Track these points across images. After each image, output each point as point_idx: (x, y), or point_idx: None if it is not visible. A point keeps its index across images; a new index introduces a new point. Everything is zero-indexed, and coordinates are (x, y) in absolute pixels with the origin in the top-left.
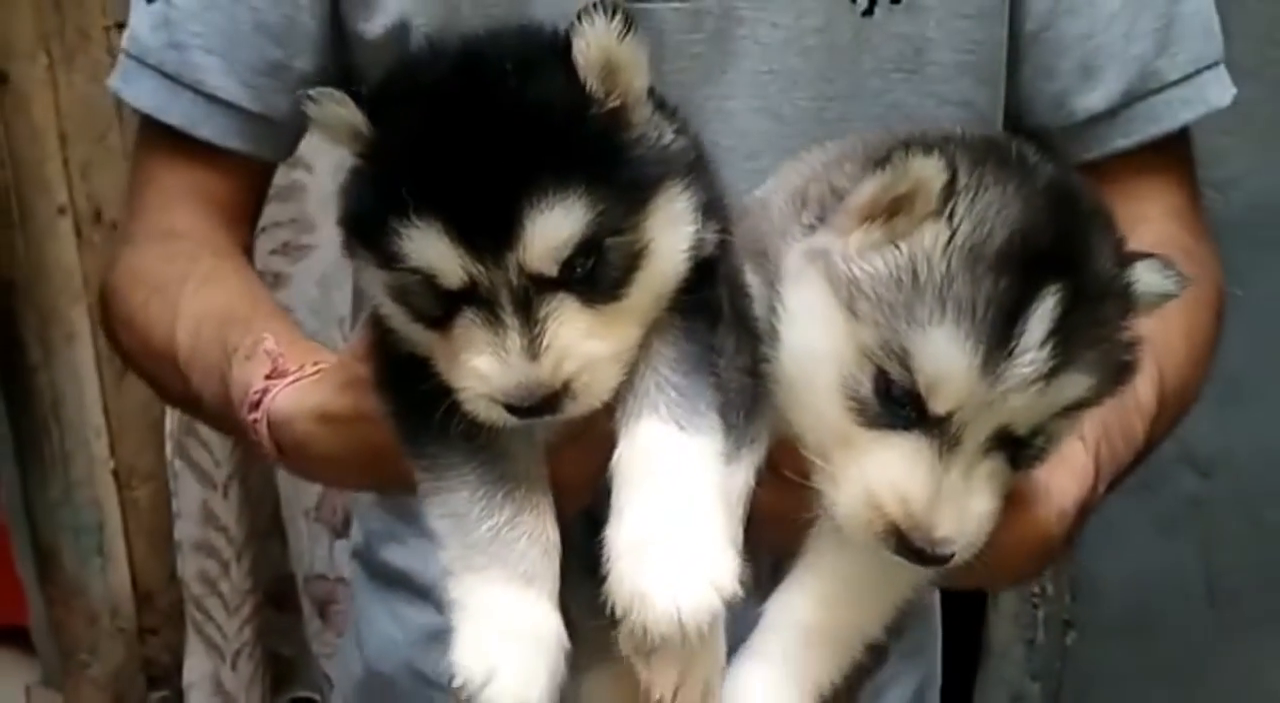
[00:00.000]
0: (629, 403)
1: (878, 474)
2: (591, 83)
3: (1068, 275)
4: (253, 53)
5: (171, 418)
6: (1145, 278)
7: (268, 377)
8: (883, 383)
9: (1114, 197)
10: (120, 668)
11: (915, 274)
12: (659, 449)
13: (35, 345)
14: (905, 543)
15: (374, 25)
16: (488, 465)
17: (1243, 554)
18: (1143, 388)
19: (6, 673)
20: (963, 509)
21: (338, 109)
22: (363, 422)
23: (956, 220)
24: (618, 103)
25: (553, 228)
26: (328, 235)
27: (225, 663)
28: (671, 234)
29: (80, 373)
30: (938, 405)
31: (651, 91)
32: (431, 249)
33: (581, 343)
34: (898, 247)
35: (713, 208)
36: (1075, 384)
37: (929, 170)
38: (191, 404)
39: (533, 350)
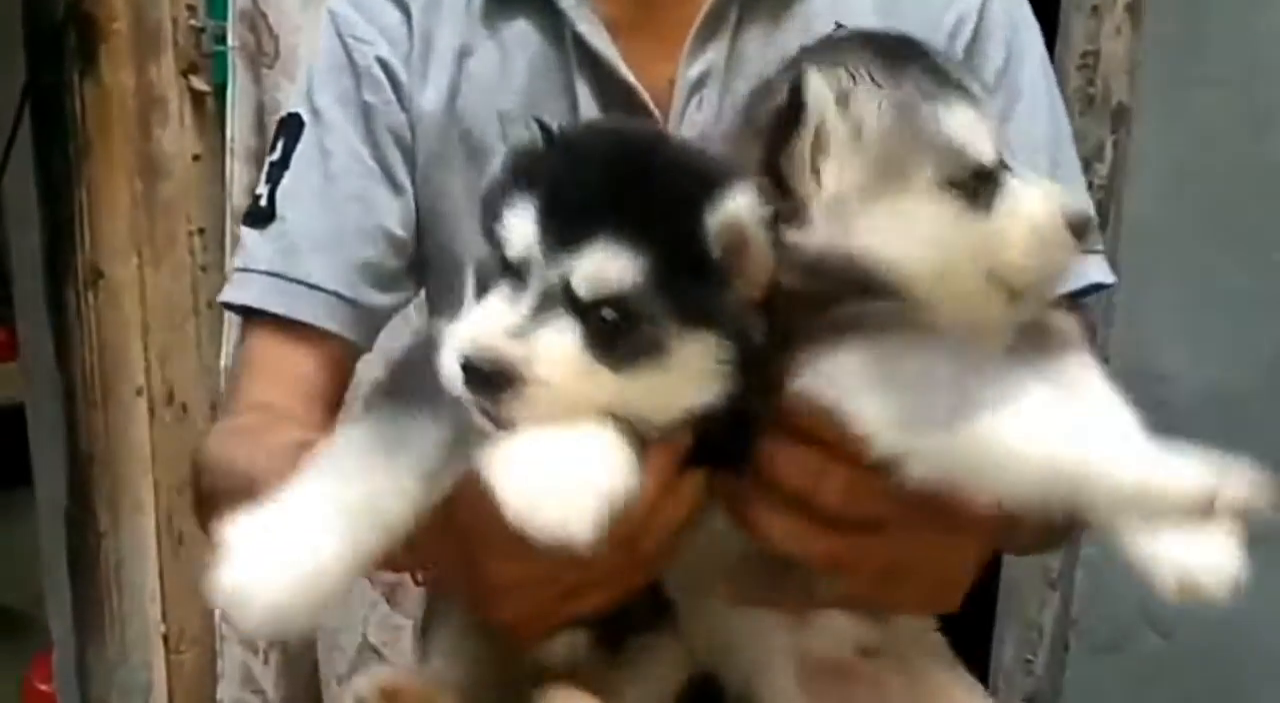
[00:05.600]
0: None
1: (1030, 216)
2: (716, 227)
3: (920, 43)
4: (353, 252)
5: None
6: None
7: None
8: (961, 183)
9: None
10: None
11: (902, 109)
12: None
13: (105, 514)
14: (1080, 229)
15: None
16: (395, 427)
17: None
18: None
19: None
20: (1056, 187)
21: (528, 133)
22: None
23: (863, 75)
24: (729, 263)
25: (610, 264)
26: None
27: None
28: (693, 369)
29: (143, 541)
30: (988, 154)
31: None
32: (519, 220)
33: (560, 362)
34: (868, 118)
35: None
36: None
37: (814, 84)
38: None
39: (519, 333)
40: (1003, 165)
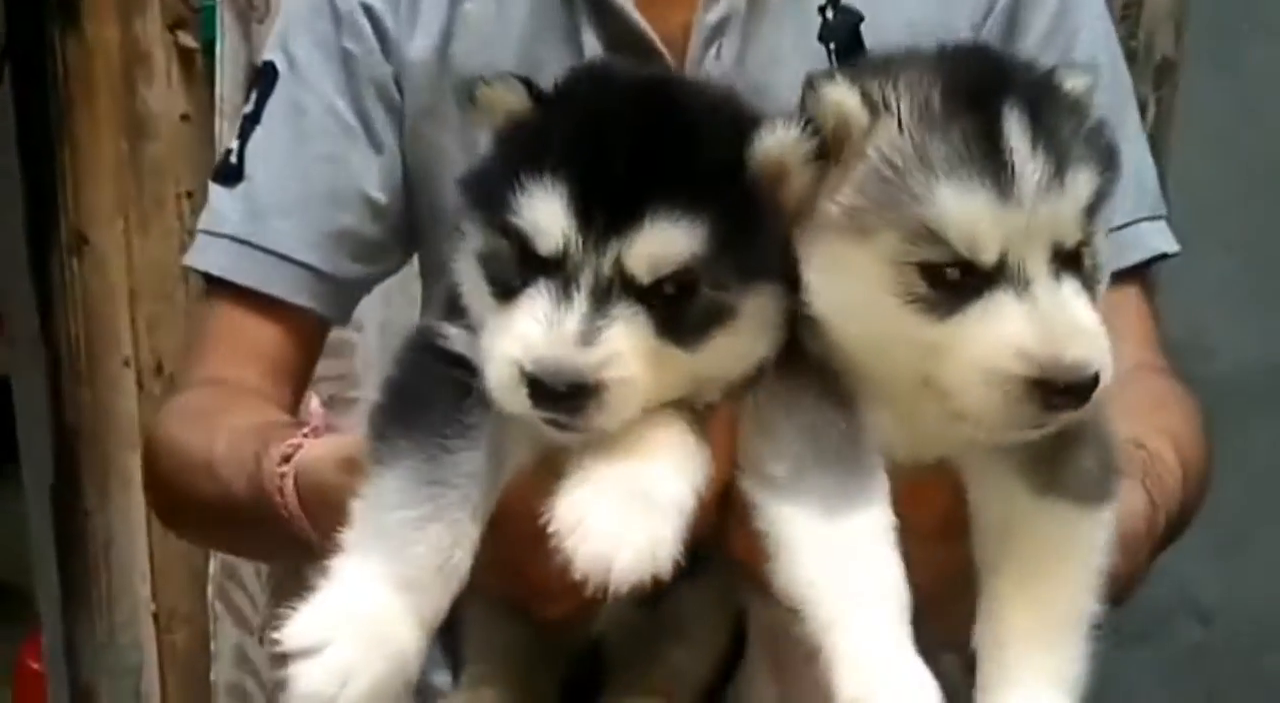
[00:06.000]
0: None
1: (984, 350)
2: (758, 167)
3: (1012, 92)
4: (325, 218)
5: (214, 561)
6: (1068, 80)
7: (306, 435)
8: (933, 271)
9: None
10: None
11: (894, 163)
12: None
13: (92, 490)
14: (1051, 388)
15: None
16: (430, 464)
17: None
18: (1165, 453)
19: None
20: (1077, 327)
21: (505, 93)
22: None
23: (895, 106)
24: (772, 200)
25: (668, 238)
26: (373, 390)
27: None
28: (760, 323)
29: (132, 518)
30: (985, 253)
31: None
32: (545, 208)
33: (634, 358)
34: (865, 156)
35: None
36: (1086, 175)
37: (838, 93)
38: (219, 506)
39: (587, 337)
40: (1010, 272)
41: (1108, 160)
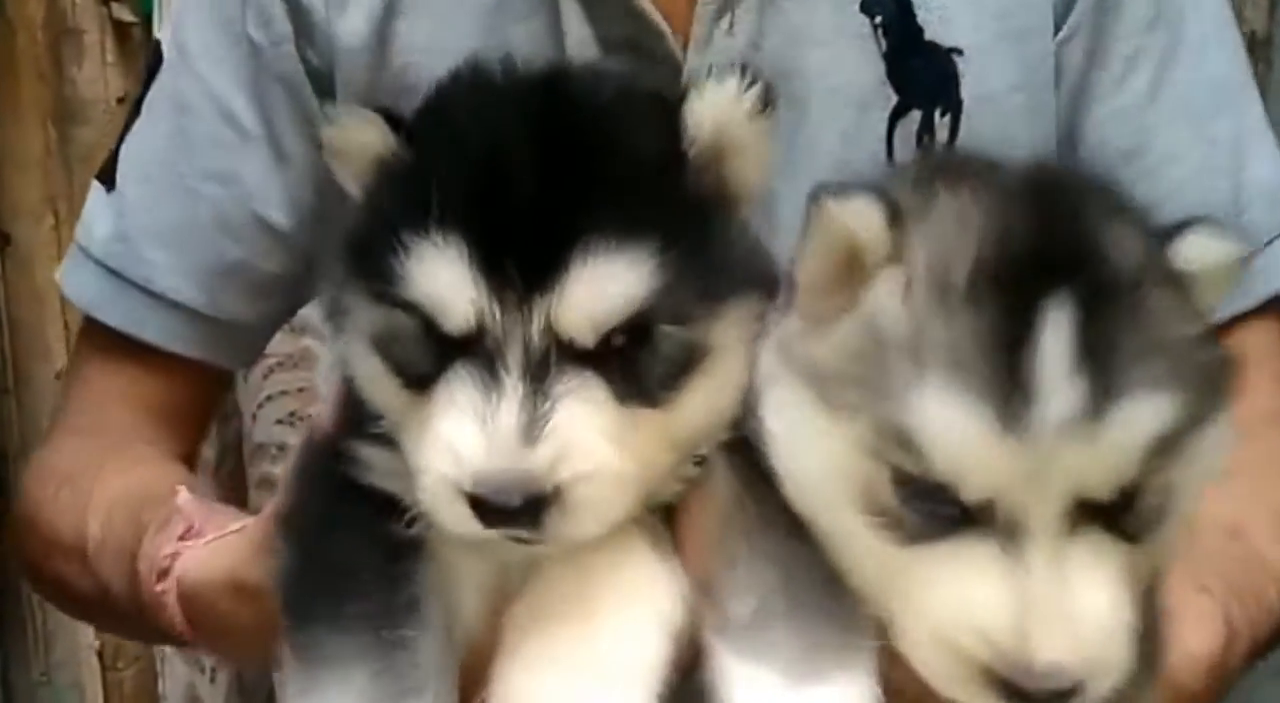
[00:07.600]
0: None
1: (941, 609)
2: (695, 148)
3: (1075, 276)
4: (210, 251)
5: None
6: (1191, 249)
7: (180, 538)
8: (904, 482)
9: None
10: None
11: (881, 335)
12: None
13: None
14: (1012, 688)
15: None
16: (390, 674)
17: None
18: (1268, 548)
19: None
20: (1067, 617)
21: (360, 131)
22: None
23: (910, 254)
24: (721, 184)
25: (604, 282)
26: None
27: None
28: (738, 350)
29: None
30: (970, 492)
31: None
32: (444, 274)
33: (596, 442)
34: (856, 309)
35: None
36: (1147, 410)
37: (857, 214)
38: (98, 602)
39: (531, 432)
40: (1002, 517)
41: (1205, 383)
